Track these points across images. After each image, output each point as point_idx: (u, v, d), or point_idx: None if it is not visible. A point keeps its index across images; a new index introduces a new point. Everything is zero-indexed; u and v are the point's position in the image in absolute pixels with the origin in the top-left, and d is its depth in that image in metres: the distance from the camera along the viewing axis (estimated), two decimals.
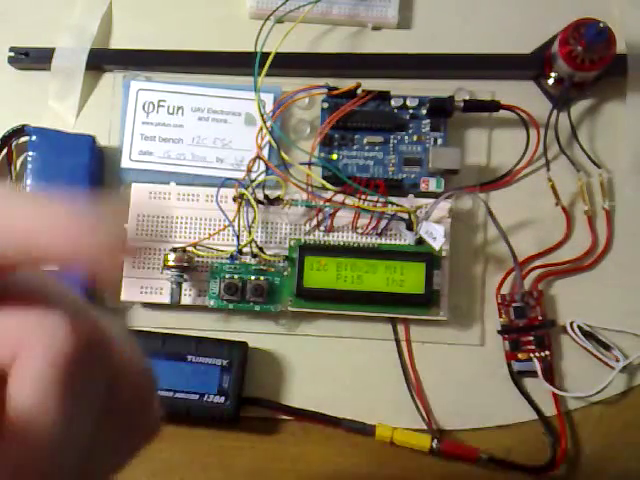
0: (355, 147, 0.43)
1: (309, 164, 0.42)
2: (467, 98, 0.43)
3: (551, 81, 0.44)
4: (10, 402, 0.16)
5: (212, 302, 0.41)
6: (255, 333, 0.42)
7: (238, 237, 0.41)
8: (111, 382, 0.18)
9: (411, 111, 0.43)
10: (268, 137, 0.42)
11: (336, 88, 0.43)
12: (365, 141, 0.43)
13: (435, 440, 0.39)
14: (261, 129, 0.42)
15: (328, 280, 0.40)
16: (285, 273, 0.41)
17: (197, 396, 0.40)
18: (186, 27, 0.46)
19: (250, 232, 0.41)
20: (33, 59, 0.45)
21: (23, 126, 0.43)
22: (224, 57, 0.45)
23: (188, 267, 0.41)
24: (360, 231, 0.42)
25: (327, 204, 0.41)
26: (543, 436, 0.41)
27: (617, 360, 0.41)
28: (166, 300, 0.41)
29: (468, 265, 0.43)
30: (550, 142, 0.43)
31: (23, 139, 0.43)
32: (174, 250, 0.41)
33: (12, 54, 0.45)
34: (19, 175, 0.44)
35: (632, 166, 0.44)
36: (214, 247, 0.42)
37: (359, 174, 0.43)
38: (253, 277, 0.41)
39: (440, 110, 0.43)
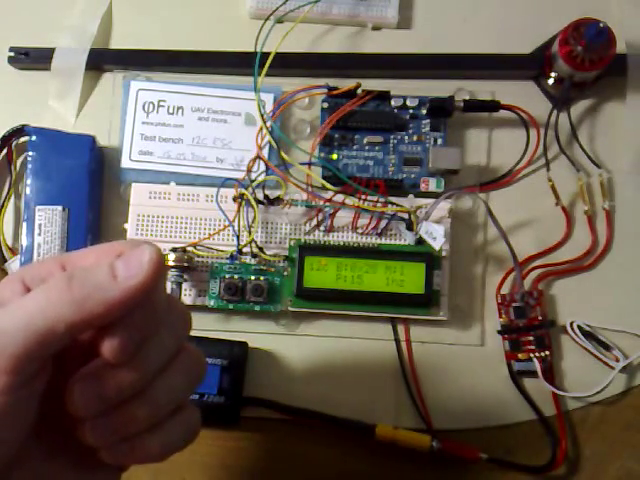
0: (355, 147, 0.43)
1: (309, 164, 0.42)
2: (467, 98, 0.43)
3: (551, 81, 0.44)
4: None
5: (212, 302, 0.41)
6: (255, 333, 0.42)
7: (238, 237, 0.41)
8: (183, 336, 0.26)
9: (411, 111, 0.43)
10: (268, 137, 0.42)
11: (336, 88, 0.43)
12: (365, 141, 0.43)
13: (435, 440, 0.39)
14: (261, 129, 0.42)
15: (328, 280, 0.40)
16: (285, 273, 0.41)
17: (197, 396, 0.40)
18: (186, 27, 0.46)
19: (250, 232, 0.41)
20: (33, 59, 0.45)
21: (23, 126, 0.43)
22: (224, 57, 0.45)
23: (188, 267, 0.41)
24: (360, 231, 0.42)
25: (327, 204, 0.41)
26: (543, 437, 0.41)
27: (617, 360, 0.41)
28: None
29: (468, 265, 0.43)
30: (550, 142, 0.43)
31: (23, 139, 0.43)
32: (174, 250, 0.41)
33: (12, 54, 0.45)
34: (19, 175, 0.44)
35: (632, 166, 0.44)
36: (214, 247, 0.42)
37: (359, 174, 0.43)
38: (253, 277, 0.41)
39: (440, 110, 0.43)
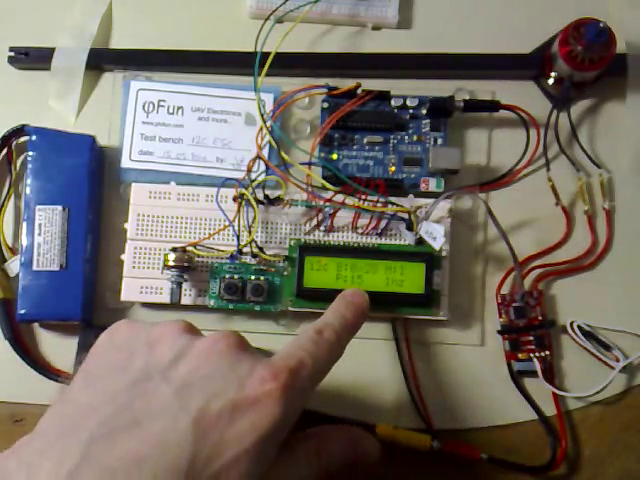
0: (355, 147, 0.43)
1: (309, 164, 0.42)
2: (467, 98, 0.43)
3: (551, 81, 0.44)
4: None
5: (212, 302, 0.41)
6: (255, 333, 0.42)
7: (238, 237, 0.41)
8: None
9: (411, 111, 0.43)
10: (268, 137, 0.42)
11: (336, 88, 0.43)
12: (365, 141, 0.43)
13: (435, 440, 0.39)
14: (261, 129, 0.42)
15: (328, 280, 0.40)
16: (285, 273, 0.41)
17: None
18: (186, 27, 0.46)
19: (250, 232, 0.41)
20: (33, 59, 0.45)
21: (23, 126, 0.43)
22: (224, 57, 0.45)
23: (188, 267, 0.41)
24: (360, 231, 0.42)
25: (327, 204, 0.41)
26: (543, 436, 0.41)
27: (617, 360, 0.41)
28: (166, 300, 0.41)
29: (468, 265, 0.43)
30: (550, 142, 0.43)
31: (23, 139, 0.43)
32: (174, 250, 0.41)
33: (12, 54, 0.45)
34: (19, 175, 0.44)
35: (632, 166, 0.44)
36: (214, 247, 0.42)
37: (359, 174, 0.43)
38: (253, 277, 0.41)
39: (440, 110, 0.43)
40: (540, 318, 0.41)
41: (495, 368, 0.42)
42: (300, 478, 0.30)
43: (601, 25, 0.40)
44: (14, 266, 0.42)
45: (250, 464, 0.26)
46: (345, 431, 0.34)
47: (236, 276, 0.41)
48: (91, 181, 0.42)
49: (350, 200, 0.41)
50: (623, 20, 0.45)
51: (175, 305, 0.41)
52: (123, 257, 0.42)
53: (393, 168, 0.43)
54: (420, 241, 0.41)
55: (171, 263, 0.40)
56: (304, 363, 0.30)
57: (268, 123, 0.42)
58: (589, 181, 0.44)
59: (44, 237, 0.41)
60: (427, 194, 0.42)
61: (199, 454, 0.25)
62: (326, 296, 0.40)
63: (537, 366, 0.40)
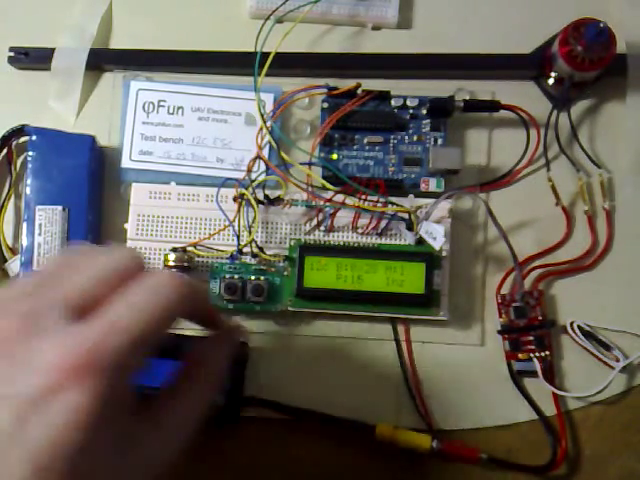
0: (355, 147, 0.43)
1: (309, 164, 0.42)
2: (467, 98, 0.43)
3: (551, 81, 0.44)
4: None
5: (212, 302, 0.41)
6: (255, 333, 0.42)
7: (238, 237, 0.41)
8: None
9: (411, 111, 0.43)
10: (268, 137, 0.42)
11: (336, 88, 0.43)
12: (365, 141, 0.43)
13: (435, 440, 0.39)
14: (261, 129, 0.42)
15: (328, 280, 0.40)
16: (285, 273, 0.41)
17: None
18: (186, 27, 0.46)
19: (250, 232, 0.41)
20: (33, 59, 0.45)
21: (23, 126, 0.43)
22: (224, 57, 0.45)
23: (188, 267, 0.41)
24: (360, 231, 0.42)
25: (327, 204, 0.41)
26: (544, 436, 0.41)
27: (617, 360, 0.41)
28: None
29: (468, 265, 0.43)
30: (550, 142, 0.43)
31: (23, 139, 0.43)
32: (174, 250, 0.41)
33: (12, 54, 0.45)
34: (19, 175, 0.44)
35: (632, 166, 0.44)
36: (214, 247, 0.42)
37: (359, 174, 0.43)
38: (253, 277, 0.41)
39: (440, 110, 0.43)
40: (540, 318, 0.41)
41: (495, 368, 0.42)
42: (170, 444, 0.28)
43: (601, 25, 0.40)
44: (14, 266, 0.42)
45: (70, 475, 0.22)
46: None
47: (236, 276, 0.41)
48: (91, 181, 0.42)
49: (350, 200, 0.41)
50: (623, 20, 0.45)
51: None
52: None
53: (393, 168, 0.43)
54: (420, 241, 0.41)
55: (171, 263, 0.40)
56: (105, 340, 0.24)
57: (268, 123, 0.42)
58: (589, 181, 0.44)
59: (44, 237, 0.41)
60: (427, 194, 0.42)
61: None
62: (326, 296, 0.41)
63: (537, 366, 0.40)
